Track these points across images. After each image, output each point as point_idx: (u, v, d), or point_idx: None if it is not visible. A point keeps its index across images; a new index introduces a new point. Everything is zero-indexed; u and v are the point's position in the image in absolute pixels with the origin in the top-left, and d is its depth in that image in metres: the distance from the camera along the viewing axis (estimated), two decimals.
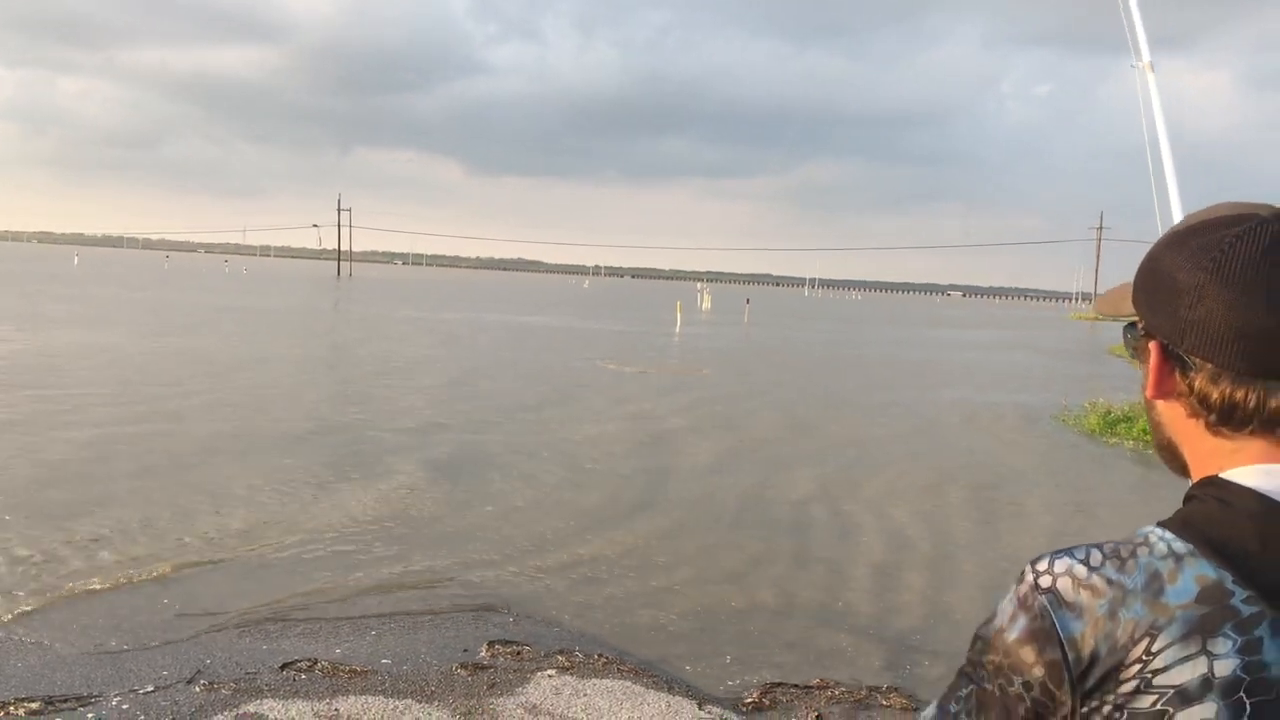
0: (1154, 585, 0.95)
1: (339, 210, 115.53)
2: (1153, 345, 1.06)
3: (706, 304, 66.55)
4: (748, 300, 69.79)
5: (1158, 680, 0.93)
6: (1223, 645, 0.92)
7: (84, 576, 7.05)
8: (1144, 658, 0.94)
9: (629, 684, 5.55)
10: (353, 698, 5.22)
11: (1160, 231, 1.35)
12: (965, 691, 1.03)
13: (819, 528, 9.51)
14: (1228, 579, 0.94)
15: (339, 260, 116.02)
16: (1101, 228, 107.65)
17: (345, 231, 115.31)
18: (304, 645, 5.99)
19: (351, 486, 10.17)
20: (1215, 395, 1.01)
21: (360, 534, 8.47)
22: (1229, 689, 0.92)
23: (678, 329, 41.21)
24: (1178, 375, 1.04)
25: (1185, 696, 0.92)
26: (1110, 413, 16.58)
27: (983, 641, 1.03)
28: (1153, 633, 0.94)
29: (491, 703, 5.21)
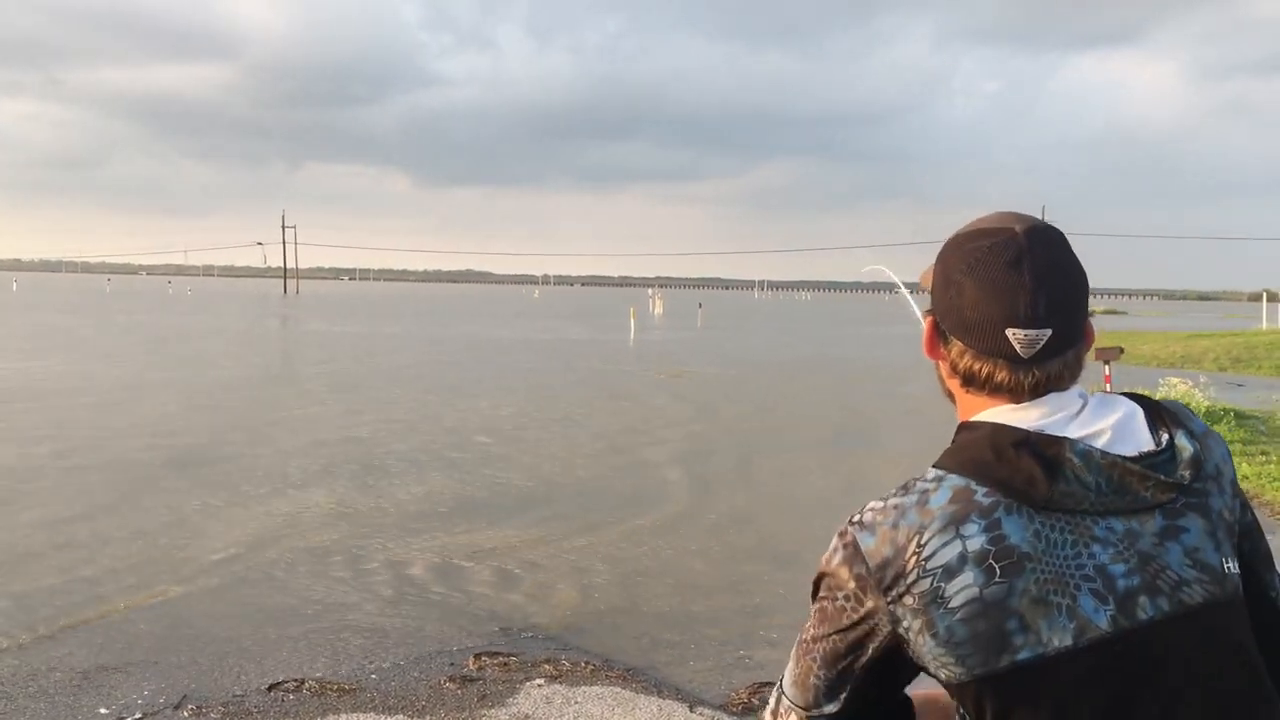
0: (923, 500, 1.26)
1: (284, 227, 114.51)
2: (928, 319, 1.39)
3: (659, 310, 66.71)
4: (700, 305, 70.01)
5: (929, 564, 1.21)
6: (971, 529, 1.21)
7: (65, 603, 6.94)
8: (917, 549, 1.22)
9: (619, 689, 5.58)
10: (343, 716, 5.21)
11: None
12: (814, 609, 1.34)
13: (792, 524, 9.60)
14: (972, 483, 1.24)
15: (284, 278, 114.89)
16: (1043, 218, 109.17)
17: (290, 248, 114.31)
18: (289, 665, 5.95)
19: (328, 503, 10.09)
20: (961, 365, 1.34)
21: (336, 548, 8.42)
22: (980, 559, 1.20)
23: (632, 335, 41.27)
24: (941, 345, 1.37)
25: (949, 571, 1.21)
26: None
27: (820, 571, 1.34)
28: (921, 530, 1.23)
29: (483, 714, 5.21)
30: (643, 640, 6.57)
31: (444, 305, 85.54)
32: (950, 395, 1.43)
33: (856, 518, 1.31)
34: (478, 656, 6.09)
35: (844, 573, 1.28)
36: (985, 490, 1.22)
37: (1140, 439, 1.26)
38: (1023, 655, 1.18)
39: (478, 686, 5.59)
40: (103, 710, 5.27)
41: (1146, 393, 1.45)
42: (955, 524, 1.22)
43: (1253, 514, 1.35)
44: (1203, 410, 14.65)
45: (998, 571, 1.19)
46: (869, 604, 1.26)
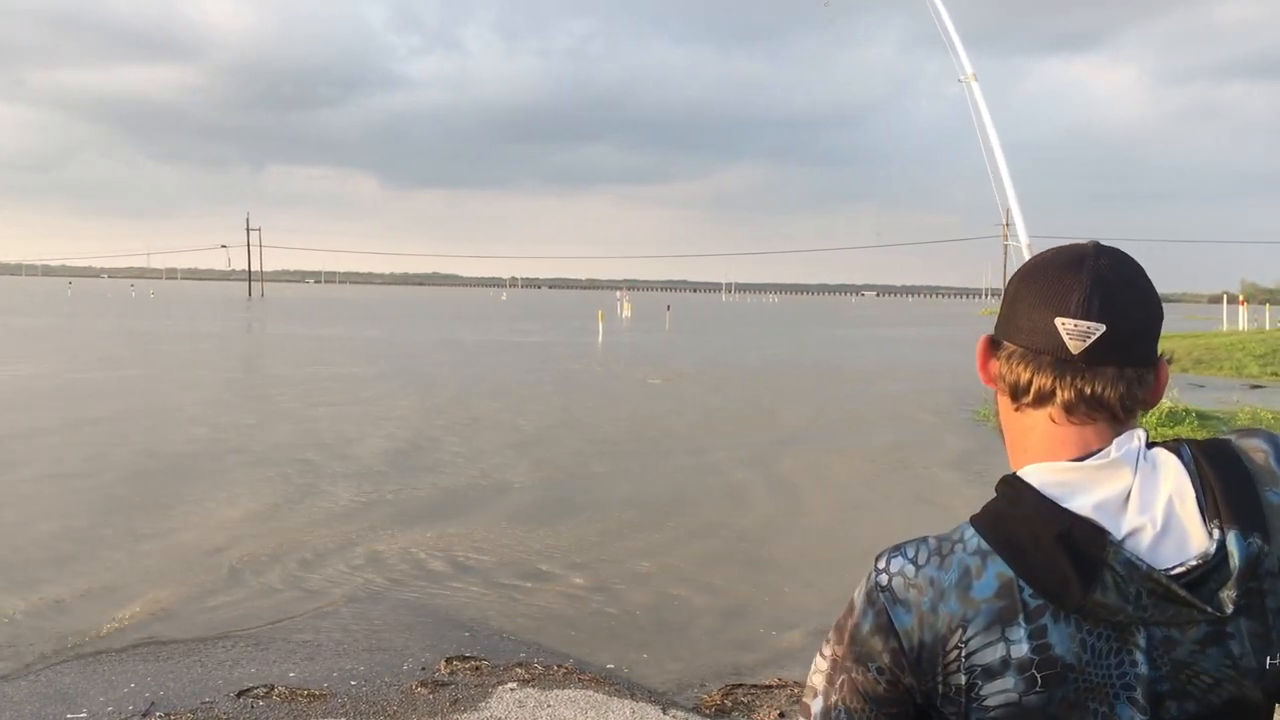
0: (964, 581, 1.16)
1: (248, 230, 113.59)
2: (983, 336, 1.29)
3: (627, 312, 66.68)
4: (668, 307, 70.04)
5: (969, 661, 1.14)
6: (1016, 633, 1.13)
7: (29, 613, 6.85)
8: (959, 644, 1.15)
9: (591, 693, 5.58)
10: None
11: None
12: (841, 681, 1.23)
13: (761, 526, 9.63)
14: (1018, 580, 1.14)
15: (249, 281, 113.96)
16: (1007, 225, 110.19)
17: (255, 251, 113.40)
18: (258, 670, 5.90)
19: (298, 506, 10.02)
20: (1009, 373, 1.23)
21: (305, 554, 8.36)
22: (1023, 666, 1.13)
23: (600, 338, 41.23)
24: (993, 356, 1.27)
25: (990, 673, 1.14)
26: None
27: (844, 634, 1.23)
28: (964, 624, 1.15)
29: (456, 719, 5.19)
30: (615, 643, 6.56)
31: (412, 309, 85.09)
32: (1005, 441, 1.30)
33: (885, 580, 1.20)
34: (449, 661, 6.06)
35: (877, 644, 1.19)
36: (1031, 591, 1.13)
37: (1187, 540, 1.13)
38: None
39: (449, 691, 5.57)
40: (70, 717, 5.21)
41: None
42: (1001, 625, 1.14)
43: None
44: (1165, 411, 14.82)
45: (1039, 681, 1.13)
46: (905, 680, 1.19)
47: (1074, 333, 1.16)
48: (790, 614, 7.18)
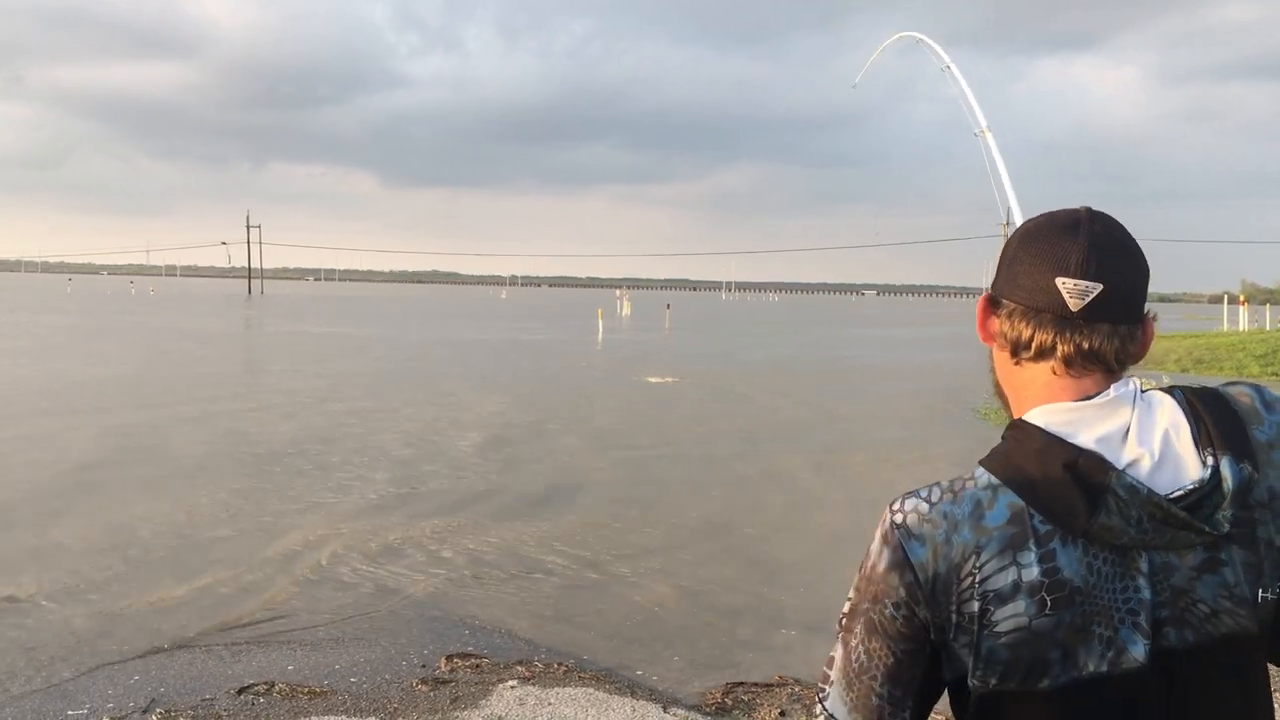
0: (977, 512, 1.22)
1: (248, 227, 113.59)
2: (982, 295, 1.36)
3: (626, 311, 66.69)
4: (668, 305, 70.06)
5: (983, 586, 1.19)
6: (1027, 557, 1.19)
7: (30, 608, 6.85)
8: (973, 570, 1.20)
9: (592, 691, 5.57)
10: (314, 719, 5.16)
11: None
12: (859, 624, 1.28)
13: (763, 524, 9.63)
14: (1029, 507, 1.21)
15: (249, 278, 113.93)
16: (1008, 224, 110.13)
17: (255, 248, 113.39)
18: (259, 668, 5.90)
19: (296, 505, 10.02)
20: (1009, 330, 1.30)
21: (305, 551, 8.36)
22: (1033, 590, 1.18)
23: (600, 336, 41.23)
24: (993, 313, 1.33)
25: (1001, 597, 1.19)
26: None
27: (864, 578, 1.28)
28: (978, 550, 1.20)
29: (456, 716, 5.18)
30: (616, 641, 6.56)
31: (414, 307, 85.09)
32: (1000, 393, 1.39)
33: (900, 519, 1.25)
34: (449, 658, 6.06)
35: (893, 579, 1.24)
36: (1041, 517, 1.20)
37: (1184, 467, 1.20)
38: (1058, 680, 1.19)
39: (450, 689, 5.57)
40: (71, 713, 5.21)
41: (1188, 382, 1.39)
42: (1013, 549, 1.19)
43: None
44: None
45: (1049, 604, 1.18)
46: (921, 614, 1.23)
47: (1074, 291, 1.23)
48: (792, 612, 7.17)
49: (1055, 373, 1.27)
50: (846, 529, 9.57)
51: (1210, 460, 1.20)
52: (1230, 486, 1.19)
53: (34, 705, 5.31)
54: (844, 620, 1.30)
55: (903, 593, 1.23)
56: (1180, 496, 1.19)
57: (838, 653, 1.30)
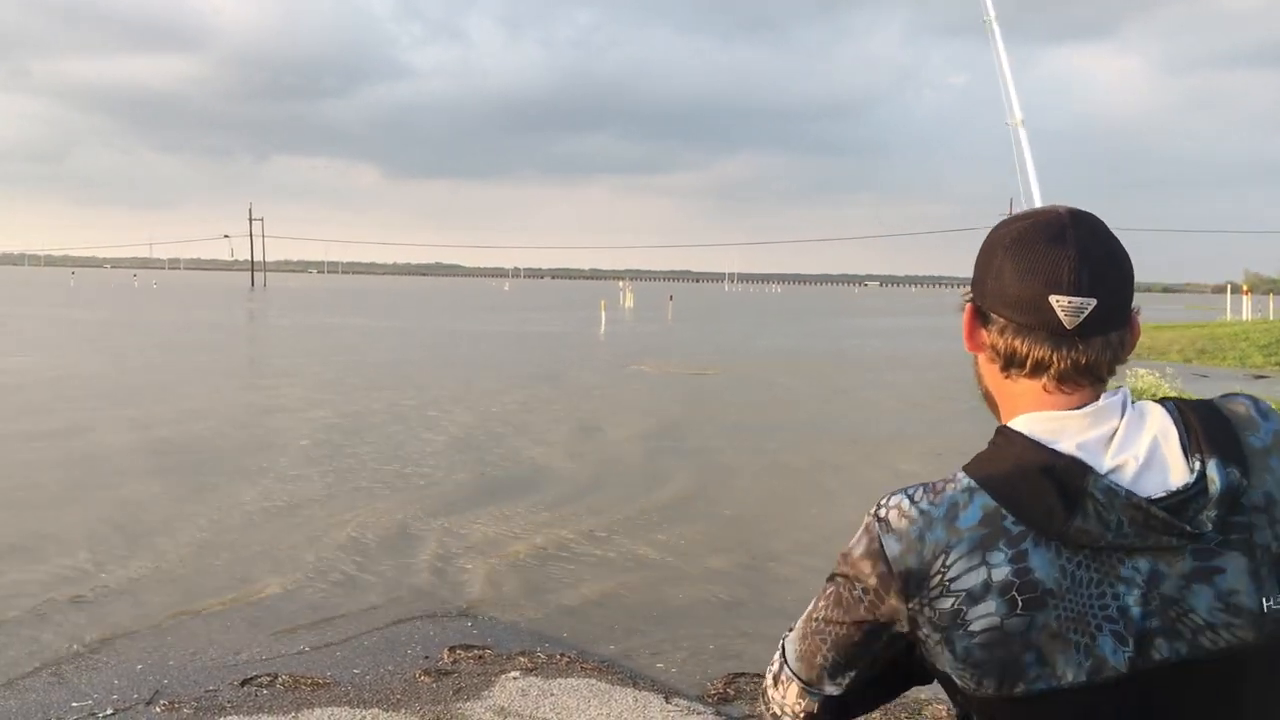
0: (952, 513, 1.23)
1: (250, 220, 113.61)
2: (967, 305, 1.35)
3: (629, 302, 66.66)
4: (670, 297, 70.04)
5: (953, 586, 1.20)
6: (997, 557, 1.19)
7: (35, 600, 6.87)
8: (942, 569, 1.21)
9: (594, 681, 5.58)
10: (318, 710, 5.18)
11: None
12: (829, 590, 1.33)
13: (766, 515, 9.64)
14: (1002, 508, 1.21)
15: (252, 271, 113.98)
16: (1011, 214, 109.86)
17: (258, 241, 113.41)
18: (262, 660, 5.92)
19: (299, 496, 10.04)
20: (1002, 345, 1.29)
21: (307, 542, 8.37)
22: (1004, 589, 1.18)
23: (602, 328, 41.25)
24: (981, 327, 1.33)
25: (973, 597, 1.20)
26: None
27: (843, 556, 1.32)
28: (947, 550, 1.21)
29: (459, 708, 5.20)
30: (618, 632, 6.57)
31: (419, 299, 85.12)
32: (988, 398, 1.39)
33: (882, 513, 1.29)
34: (452, 649, 6.07)
35: (866, 567, 1.28)
36: (1014, 519, 1.20)
37: (1168, 472, 1.20)
38: (1036, 686, 1.19)
39: (453, 680, 5.58)
40: (75, 705, 5.23)
41: (1185, 395, 1.40)
42: (982, 550, 1.20)
43: None
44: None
45: (1020, 604, 1.18)
46: (888, 603, 1.26)
47: (1068, 309, 1.22)
48: (794, 603, 7.15)
49: (1048, 390, 1.27)
50: (848, 520, 9.56)
51: (1198, 465, 1.20)
52: (1217, 489, 1.18)
53: (38, 697, 5.33)
54: (826, 580, 1.36)
55: (873, 580, 1.27)
56: (1163, 498, 1.18)
57: (811, 603, 1.37)
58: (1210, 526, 1.18)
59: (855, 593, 1.29)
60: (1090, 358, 1.25)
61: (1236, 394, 1.33)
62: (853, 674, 1.33)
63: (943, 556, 1.22)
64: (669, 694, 5.47)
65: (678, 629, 6.63)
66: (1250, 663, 1.19)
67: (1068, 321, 1.23)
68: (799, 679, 1.36)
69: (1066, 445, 1.22)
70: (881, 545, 1.26)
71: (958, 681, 1.24)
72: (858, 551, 1.29)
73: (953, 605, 1.21)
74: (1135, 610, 1.18)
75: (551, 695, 5.35)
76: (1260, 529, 1.20)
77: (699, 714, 5.19)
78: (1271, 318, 40.23)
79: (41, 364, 22.58)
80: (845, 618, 1.30)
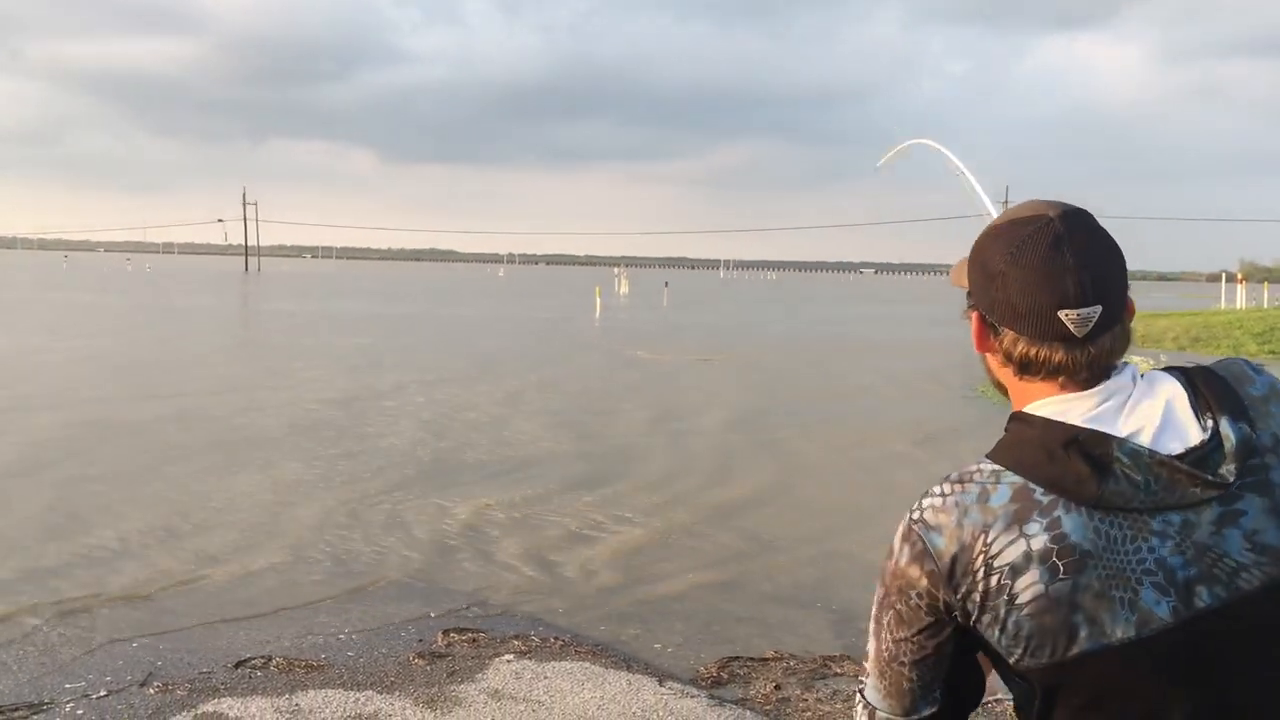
0: (983, 496, 1.30)
1: (245, 204, 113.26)
2: (974, 314, 1.41)
3: (624, 289, 66.63)
4: (666, 283, 70.00)
5: (996, 562, 1.26)
6: (1033, 527, 1.25)
7: (28, 582, 6.87)
8: (984, 548, 1.27)
9: (588, 665, 5.59)
10: (312, 692, 5.18)
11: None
12: (887, 618, 1.37)
13: (759, 499, 9.65)
14: (1029, 482, 1.28)
15: (246, 256, 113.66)
16: (1007, 202, 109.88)
17: (252, 226, 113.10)
18: (256, 642, 5.92)
19: (292, 479, 10.04)
20: (1016, 353, 1.35)
21: (300, 525, 8.37)
22: (1043, 556, 1.24)
23: (597, 314, 41.24)
24: (992, 337, 1.38)
25: (1016, 570, 1.25)
26: None
27: (888, 574, 1.37)
28: (986, 529, 1.28)
29: (453, 690, 5.20)
30: (611, 615, 6.59)
31: (415, 285, 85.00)
32: (999, 385, 1.45)
33: (918, 516, 1.35)
34: (446, 633, 6.08)
35: (914, 571, 1.33)
36: (1043, 489, 1.27)
37: (1185, 431, 1.27)
38: (1088, 646, 1.24)
39: (446, 663, 5.59)
40: (68, 686, 5.23)
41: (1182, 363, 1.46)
42: (1018, 523, 1.26)
43: None
44: None
45: (1061, 569, 1.24)
46: (943, 598, 1.31)
47: (1077, 321, 1.29)
48: (788, 587, 7.20)
49: (1063, 386, 1.33)
50: (843, 504, 9.60)
51: (1210, 423, 1.27)
52: (1232, 443, 1.25)
53: (31, 678, 5.33)
54: (875, 613, 1.40)
55: (925, 582, 1.32)
56: (1183, 454, 1.25)
57: (871, 645, 1.41)
58: (1234, 479, 1.24)
59: (912, 602, 1.34)
60: (1100, 354, 1.32)
61: (1229, 357, 1.42)
62: (941, 685, 1.37)
63: (983, 536, 1.28)
64: (662, 677, 5.48)
65: (672, 612, 6.65)
66: None
67: (1077, 331, 1.29)
68: (896, 717, 1.40)
69: (1083, 419, 1.29)
70: (926, 545, 1.32)
71: (1012, 660, 1.28)
72: (903, 560, 1.35)
73: (998, 581, 1.26)
74: (1173, 559, 1.24)
75: (545, 678, 5.35)
76: (1274, 469, 1.28)
77: (692, 697, 5.20)
78: (1265, 306, 40.30)
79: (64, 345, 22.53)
80: (912, 632, 1.35)
